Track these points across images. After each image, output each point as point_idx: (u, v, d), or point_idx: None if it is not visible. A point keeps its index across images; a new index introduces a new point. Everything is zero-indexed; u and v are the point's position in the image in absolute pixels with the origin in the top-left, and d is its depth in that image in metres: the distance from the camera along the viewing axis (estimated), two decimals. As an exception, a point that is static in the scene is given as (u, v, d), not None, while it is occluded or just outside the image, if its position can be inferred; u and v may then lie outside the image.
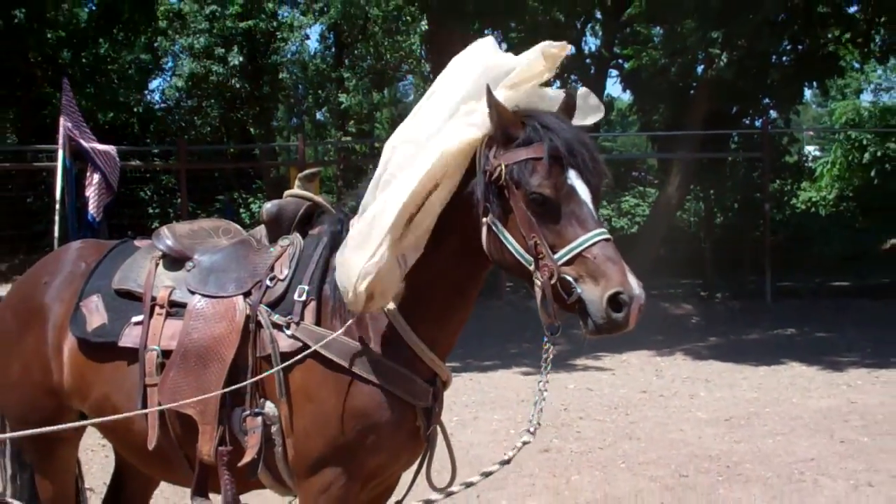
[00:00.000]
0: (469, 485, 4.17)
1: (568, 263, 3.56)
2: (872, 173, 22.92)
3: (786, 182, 23.10)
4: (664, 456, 9.11)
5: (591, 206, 3.66)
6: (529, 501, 7.91)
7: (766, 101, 22.14)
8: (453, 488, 4.20)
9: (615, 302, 3.48)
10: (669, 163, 21.38)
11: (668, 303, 18.21)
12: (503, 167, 3.69)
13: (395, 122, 33.72)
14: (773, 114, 22.50)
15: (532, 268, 3.63)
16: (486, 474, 4.21)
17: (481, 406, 11.03)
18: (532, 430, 4.11)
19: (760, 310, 18.23)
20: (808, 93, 24.95)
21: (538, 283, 3.61)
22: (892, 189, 20.39)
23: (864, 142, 24.06)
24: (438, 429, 4.31)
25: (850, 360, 13.65)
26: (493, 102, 3.71)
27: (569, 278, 3.55)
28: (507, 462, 4.23)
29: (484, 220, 3.77)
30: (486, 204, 3.75)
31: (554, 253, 3.58)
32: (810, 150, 35.85)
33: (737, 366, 13.51)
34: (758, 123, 21.84)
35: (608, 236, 3.63)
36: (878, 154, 22.97)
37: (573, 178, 3.66)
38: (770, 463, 8.80)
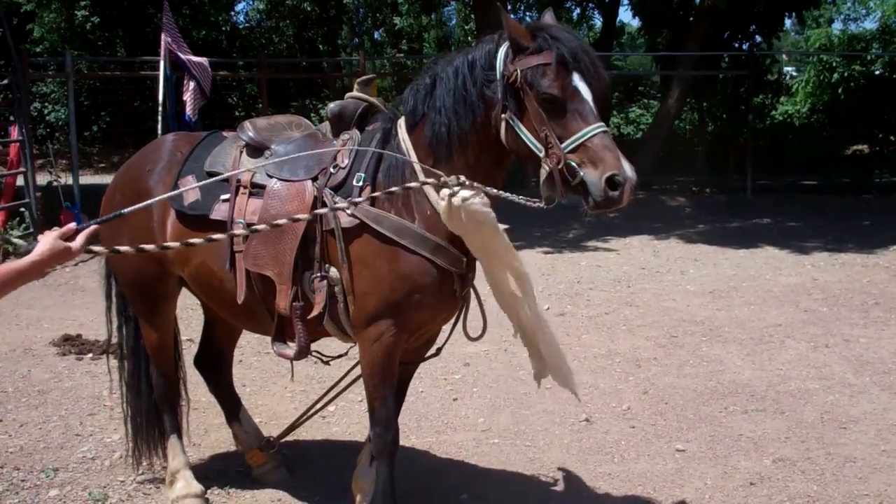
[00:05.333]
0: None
1: (572, 151, 3.60)
2: (839, 90, 22.59)
3: (767, 97, 22.82)
4: (658, 320, 9.17)
5: (592, 104, 3.67)
6: (546, 355, 7.98)
7: (753, 27, 21.82)
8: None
9: (612, 182, 3.54)
10: (670, 79, 21.14)
11: (666, 196, 18.07)
12: (518, 72, 3.70)
13: (440, 42, 33.63)
14: (758, 38, 22.20)
15: (542, 155, 3.67)
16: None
17: (508, 277, 11.07)
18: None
19: (742, 203, 18.08)
20: (788, 21, 24.52)
21: (546, 167, 3.66)
22: (854, 104, 20.12)
23: (834, 64, 23.75)
24: (472, 291, 4.37)
25: (814, 245, 13.55)
26: (506, 19, 3.75)
27: (573, 163, 3.59)
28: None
29: (503, 116, 3.79)
30: (504, 103, 3.78)
31: (561, 143, 3.61)
32: (788, 70, 35.33)
33: (720, 248, 13.45)
34: (745, 47, 21.54)
35: (606, 129, 3.67)
36: (845, 74, 22.66)
37: (577, 80, 3.67)
38: (745, 327, 8.84)
